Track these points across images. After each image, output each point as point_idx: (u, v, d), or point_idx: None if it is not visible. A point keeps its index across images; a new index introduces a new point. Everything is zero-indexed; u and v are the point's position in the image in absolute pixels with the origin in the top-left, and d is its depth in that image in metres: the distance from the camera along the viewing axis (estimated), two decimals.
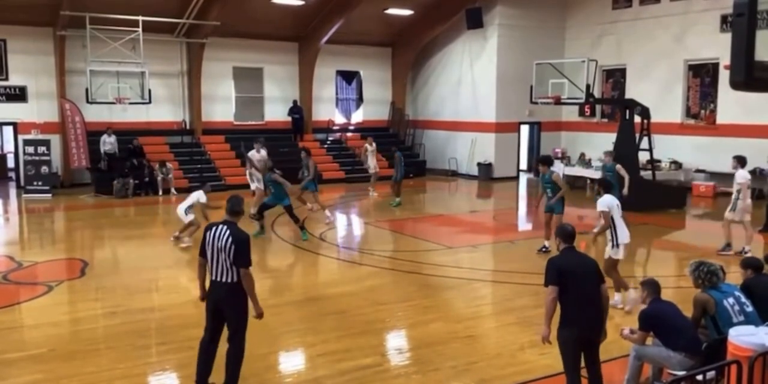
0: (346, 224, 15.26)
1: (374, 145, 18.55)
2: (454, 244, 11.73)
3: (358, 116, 24.30)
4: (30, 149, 17.90)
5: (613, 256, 7.74)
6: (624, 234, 7.74)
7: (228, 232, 5.31)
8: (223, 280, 5.33)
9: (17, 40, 18.39)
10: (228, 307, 5.40)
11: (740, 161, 10.69)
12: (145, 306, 8.13)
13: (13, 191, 18.88)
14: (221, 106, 21.54)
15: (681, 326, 5.07)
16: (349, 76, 23.81)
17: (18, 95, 18.70)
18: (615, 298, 7.73)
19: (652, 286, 5.33)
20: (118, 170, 17.95)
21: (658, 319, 5.13)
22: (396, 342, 7.18)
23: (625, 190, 11.84)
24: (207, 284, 5.56)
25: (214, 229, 5.42)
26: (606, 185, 8.46)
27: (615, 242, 7.70)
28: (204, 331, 5.57)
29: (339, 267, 10.60)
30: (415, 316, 7.77)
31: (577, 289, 4.85)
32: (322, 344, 6.78)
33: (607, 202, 7.76)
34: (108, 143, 18.57)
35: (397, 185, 16.18)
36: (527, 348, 6.64)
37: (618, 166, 12.21)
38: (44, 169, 17.86)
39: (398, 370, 6.17)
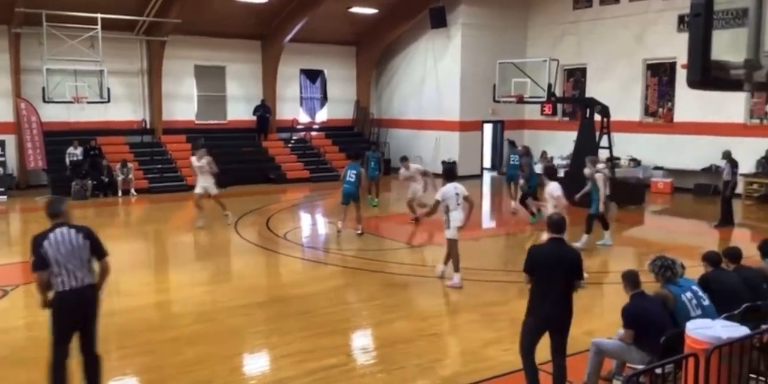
0: (311, 224, 15.18)
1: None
2: (418, 243, 11.76)
3: (322, 115, 24.19)
4: None
5: (450, 237, 8.75)
6: (456, 218, 8.66)
7: (73, 231, 5.14)
8: (83, 283, 5.09)
9: None
10: (93, 309, 5.20)
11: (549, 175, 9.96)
12: (105, 310, 7.84)
13: None
14: (183, 105, 21.21)
15: (660, 326, 4.97)
16: (313, 75, 23.68)
17: None
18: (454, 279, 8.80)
19: (630, 279, 5.22)
20: (76, 171, 17.53)
21: (639, 317, 5.06)
22: (361, 341, 7.17)
23: (601, 206, 11.06)
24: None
25: (51, 236, 5.07)
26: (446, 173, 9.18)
27: (448, 224, 8.67)
28: (58, 346, 5.08)
29: (303, 267, 10.53)
30: (379, 314, 7.76)
31: (542, 280, 4.98)
32: (287, 345, 6.72)
33: (444, 192, 8.71)
34: (74, 155, 18.10)
35: (372, 185, 15.96)
36: (491, 344, 6.69)
37: (598, 176, 11.07)
38: None
39: (364, 370, 6.16)
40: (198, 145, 15.24)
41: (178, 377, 5.90)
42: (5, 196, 17.03)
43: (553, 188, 9.35)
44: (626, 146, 18.55)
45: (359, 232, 12.20)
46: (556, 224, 5.14)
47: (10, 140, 18.19)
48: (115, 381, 5.94)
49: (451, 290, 8.84)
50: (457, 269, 8.78)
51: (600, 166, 11.69)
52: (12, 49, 17.99)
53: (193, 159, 13.25)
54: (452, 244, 8.76)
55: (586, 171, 11.26)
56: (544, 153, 20.20)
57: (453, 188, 8.67)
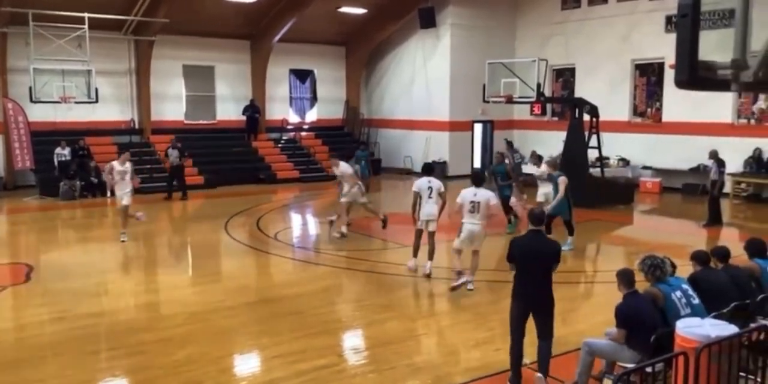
0: (301, 224, 15.16)
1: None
2: (408, 243, 11.75)
3: (312, 115, 24.15)
4: None
5: (419, 227, 9.30)
6: (425, 212, 9.16)
7: None
8: None
9: None
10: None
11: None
12: (94, 311, 7.90)
13: None
14: (171, 105, 21.11)
15: (651, 326, 5.00)
16: (302, 75, 23.64)
17: None
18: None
19: (625, 277, 5.22)
20: (65, 172, 17.41)
21: (632, 316, 5.07)
22: (352, 341, 7.16)
23: (549, 208, 10.48)
24: None
25: None
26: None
27: (419, 216, 9.27)
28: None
29: (294, 267, 10.51)
30: (370, 315, 7.76)
31: (523, 268, 5.57)
32: (277, 345, 6.70)
33: (417, 183, 9.23)
34: (62, 155, 17.96)
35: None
36: (482, 344, 6.71)
37: (561, 179, 10.64)
38: None
39: (355, 370, 6.16)
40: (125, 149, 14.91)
41: (168, 378, 5.87)
42: None
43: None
44: (615, 146, 18.66)
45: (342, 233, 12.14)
46: (536, 217, 5.69)
47: None
48: (104, 382, 5.91)
49: (441, 291, 8.85)
50: (415, 255, 9.38)
51: (543, 167, 11.72)
52: None
53: (116, 163, 11.79)
54: (417, 233, 9.35)
55: (539, 170, 11.20)
56: (533, 152, 20.26)
57: (426, 181, 9.18)
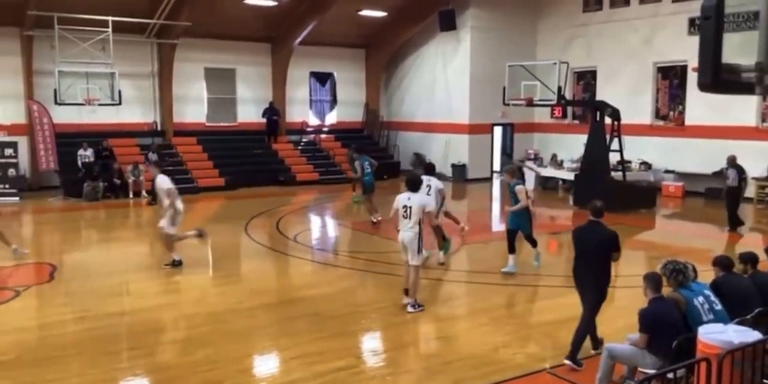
0: (321, 226, 15.20)
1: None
2: (427, 246, 11.73)
3: (332, 118, 24.24)
4: None
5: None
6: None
7: None
8: None
9: None
10: None
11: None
12: (115, 311, 8.00)
13: None
14: (193, 107, 21.32)
15: (674, 332, 4.94)
16: (322, 78, 23.74)
17: None
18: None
19: (653, 281, 5.19)
20: (88, 173, 17.65)
21: (656, 323, 5.03)
22: (370, 344, 7.16)
23: (512, 208, 9.57)
24: None
25: None
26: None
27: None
28: None
29: (313, 269, 10.54)
30: (388, 317, 7.75)
31: (579, 253, 6.21)
32: (296, 347, 6.73)
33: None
34: (85, 156, 18.21)
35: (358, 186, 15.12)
36: (500, 348, 6.67)
37: (519, 188, 9.47)
38: (11, 171, 17.51)
39: (373, 372, 6.16)
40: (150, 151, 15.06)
41: (187, 378, 5.92)
42: (18, 197, 17.17)
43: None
44: (637, 149, 18.47)
45: (375, 220, 12.94)
46: (596, 209, 6.28)
47: (23, 142, 18.36)
48: (125, 381, 5.97)
49: (459, 294, 8.83)
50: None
51: (504, 176, 10.13)
52: (24, 51, 18.17)
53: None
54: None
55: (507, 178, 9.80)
56: (554, 156, 20.18)
57: (426, 180, 9.53)
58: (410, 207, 7.69)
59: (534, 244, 9.74)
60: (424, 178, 9.25)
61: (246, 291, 8.92)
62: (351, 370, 6.13)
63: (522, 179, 10.19)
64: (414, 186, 7.89)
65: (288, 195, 18.72)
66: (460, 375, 6.00)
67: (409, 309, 7.75)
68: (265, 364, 6.56)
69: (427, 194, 9.31)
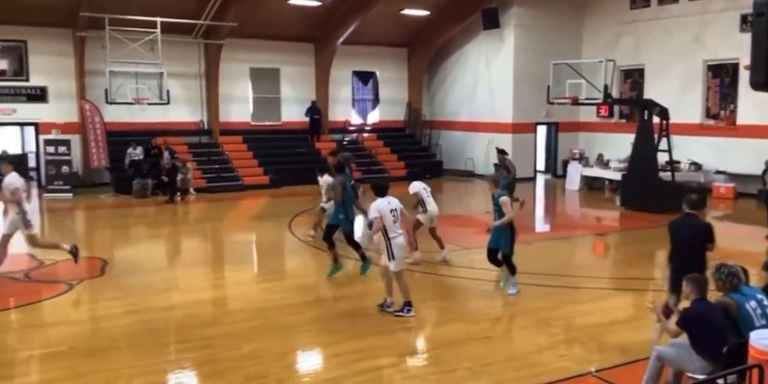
0: (363, 224, 15.25)
1: None
2: (470, 245, 11.69)
3: (374, 117, 24.33)
4: (51, 149, 18.15)
5: (422, 221, 10.21)
6: (433, 206, 10.19)
7: None
8: None
9: (38, 42, 18.61)
10: None
11: None
12: (164, 304, 8.20)
13: (34, 191, 19.10)
14: (238, 106, 21.67)
15: (719, 333, 4.86)
16: (365, 77, 23.84)
17: (39, 96, 18.95)
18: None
19: (697, 284, 5.12)
20: (138, 171, 18.11)
21: (699, 321, 4.96)
22: (412, 342, 7.17)
23: (494, 223, 8.44)
24: None
25: None
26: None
27: (425, 210, 10.15)
28: None
29: (356, 267, 10.59)
30: (431, 316, 7.76)
31: (675, 244, 6.53)
32: (338, 344, 6.79)
33: (415, 186, 10.18)
34: (134, 154, 18.66)
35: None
36: (544, 350, 6.61)
37: (504, 200, 8.33)
38: (65, 168, 18.09)
39: (415, 371, 6.17)
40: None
41: (233, 371, 6.04)
42: (70, 194, 17.73)
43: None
44: (686, 149, 18.02)
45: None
46: (693, 202, 6.66)
47: (75, 140, 18.95)
48: (174, 373, 6.13)
49: (503, 294, 8.77)
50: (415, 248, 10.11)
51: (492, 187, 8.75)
52: (77, 52, 18.75)
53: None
54: (418, 225, 10.28)
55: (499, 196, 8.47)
56: (600, 156, 19.86)
57: (419, 184, 10.20)
58: (396, 210, 7.56)
59: (512, 270, 8.49)
60: (384, 200, 7.68)
61: (289, 288, 9.03)
62: (392, 369, 6.16)
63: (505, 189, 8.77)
64: (383, 190, 7.65)
65: None
66: (502, 376, 5.97)
67: (398, 313, 7.57)
68: (308, 361, 6.64)
69: (427, 196, 10.19)
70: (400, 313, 7.56)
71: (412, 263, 9.90)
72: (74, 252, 9.61)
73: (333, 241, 9.39)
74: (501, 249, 8.44)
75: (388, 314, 7.67)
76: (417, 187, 10.25)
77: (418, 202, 10.24)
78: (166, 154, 17.63)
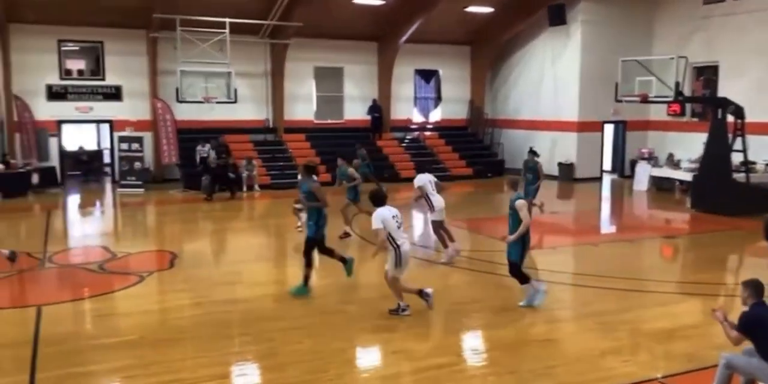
0: (423, 222, 15.26)
1: None
2: (532, 246, 11.52)
3: (436, 115, 24.26)
4: (124, 146, 18.91)
5: (436, 219, 10.20)
6: (438, 201, 10.15)
7: None
8: None
9: (113, 42, 19.42)
10: None
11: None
12: (229, 298, 8.43)
13: (108, 186, 19.96)
14: (303, 105, 22.01)
15: None
16: (427, 75, 23.80)
17: (114, 94, 19.77)
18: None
19: (755, 288, 5.00)
20: (206, 168, 18.60)
21: (759, 324, 4.85)
22: (471, 342, 7.13)
23: (512, 237, 7.67)
24: None
25: None
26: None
27: (432, 208, 10.11)
28: None
29: (415, 266, 10.58)
30: (490, 316, 7.69)
31: None
32: (396, 341, 6.83)
33: (421, 178, 10.34)
34: (203, 152, 19.12)
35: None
36: (608, 354, 6.45)
37: (520, 203, 7.70)
38: (137, 164, 18.82)
39: (473, 371, 6.14)
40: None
41: (294, 365, 6.15)
42: (142, 189, 18.42)
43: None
44: (763, 150, 17.19)
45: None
46: None
47: (148, 137, 19.68)
48: (237, 365, 6.28)
49: (565, 296, 8.61)
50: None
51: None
52: (150, 52, 19.45)
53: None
54: (440, 224, 10.43)
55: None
56: (671, 155, 19.21)
57: (425, 176, 10.30)
58: (398, 215, 7.63)
59: (522, 279, 7.85)
60: (385, 208, 7.69)
61: (349, 284, 9.11)
62: (451, 368, 6.14)
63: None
64: (382, 200, 7.69)
65: (392, 191, 18.82)
66: (564, 380, 5.87)
67: (392, 311, 7.63)
68: (367, 357, 6.70)
69: (433, 190, 10.23)
70: (395, 312, 7.61)
71: (446, 262, 10.11)
72: (12, 258, 9.61)
73: (312, 259, 8.64)
74: (509, 257, 7.80)
75: (451, 314, 7.65)
76: (423, 180, 10.28)
77: (420, 197, 10.30)
78: (212, 153, 17.73)
